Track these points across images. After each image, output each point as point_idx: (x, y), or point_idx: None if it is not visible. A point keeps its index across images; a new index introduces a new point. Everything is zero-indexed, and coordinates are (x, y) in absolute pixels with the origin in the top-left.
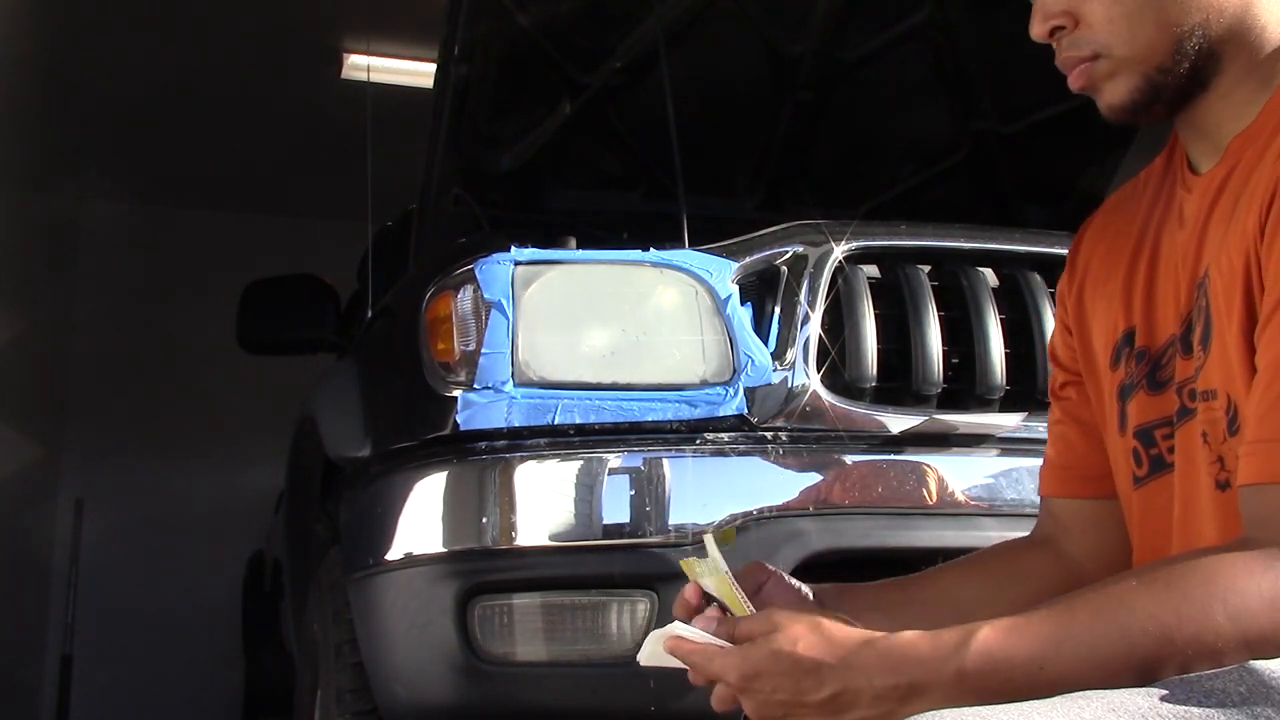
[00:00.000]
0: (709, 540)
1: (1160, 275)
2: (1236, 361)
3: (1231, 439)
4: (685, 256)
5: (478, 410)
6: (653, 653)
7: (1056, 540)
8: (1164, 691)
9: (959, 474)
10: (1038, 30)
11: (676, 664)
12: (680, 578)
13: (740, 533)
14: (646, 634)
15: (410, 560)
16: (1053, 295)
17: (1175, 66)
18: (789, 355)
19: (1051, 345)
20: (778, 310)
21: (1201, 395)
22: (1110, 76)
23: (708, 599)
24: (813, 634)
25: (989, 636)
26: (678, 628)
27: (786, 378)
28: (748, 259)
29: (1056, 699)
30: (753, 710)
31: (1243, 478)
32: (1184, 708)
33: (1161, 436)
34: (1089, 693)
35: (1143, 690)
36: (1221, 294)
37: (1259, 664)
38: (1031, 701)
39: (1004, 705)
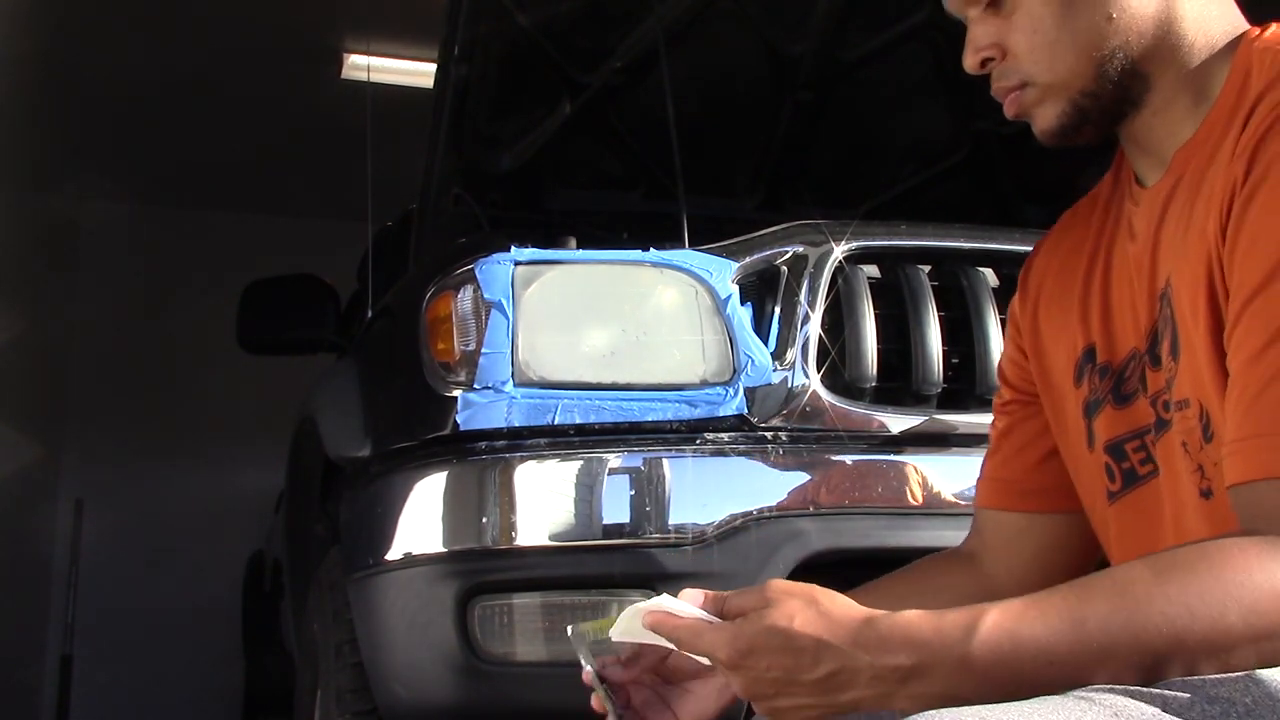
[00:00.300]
0: (570, 632)
1: (1114, 289)
2: (1206, 368)
3: (1208, 446)
4: (685, 256)
5: (478, 410)
6: (628, 628)
7: (977, 556)
8: (1169, 695)
9: (959, 474)
10: (969, 63)
11: (651, 639)
12: (679, 577)
13: (740, 533)
14: None
15: (410, 560)
16: None
17: (1100, 90)
18: (789, 355)
19: (1000, 365)
20: (778, 310)
21: (1176, 405)
22: (1039, 103)
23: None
24: (809, 609)
25: (998, 623)
26: (665, 601)
27: (786, 378)
28: (748, 259)
29: (1057, 699)
30: (743, 688)
31: (1229, 479)
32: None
33: (1132, 450)
34: (1093, 694)
35: (1147, 692)
36: (1186, 302)
37: (1265, 674)
38: (1032, 701)
39: (1004, 705)
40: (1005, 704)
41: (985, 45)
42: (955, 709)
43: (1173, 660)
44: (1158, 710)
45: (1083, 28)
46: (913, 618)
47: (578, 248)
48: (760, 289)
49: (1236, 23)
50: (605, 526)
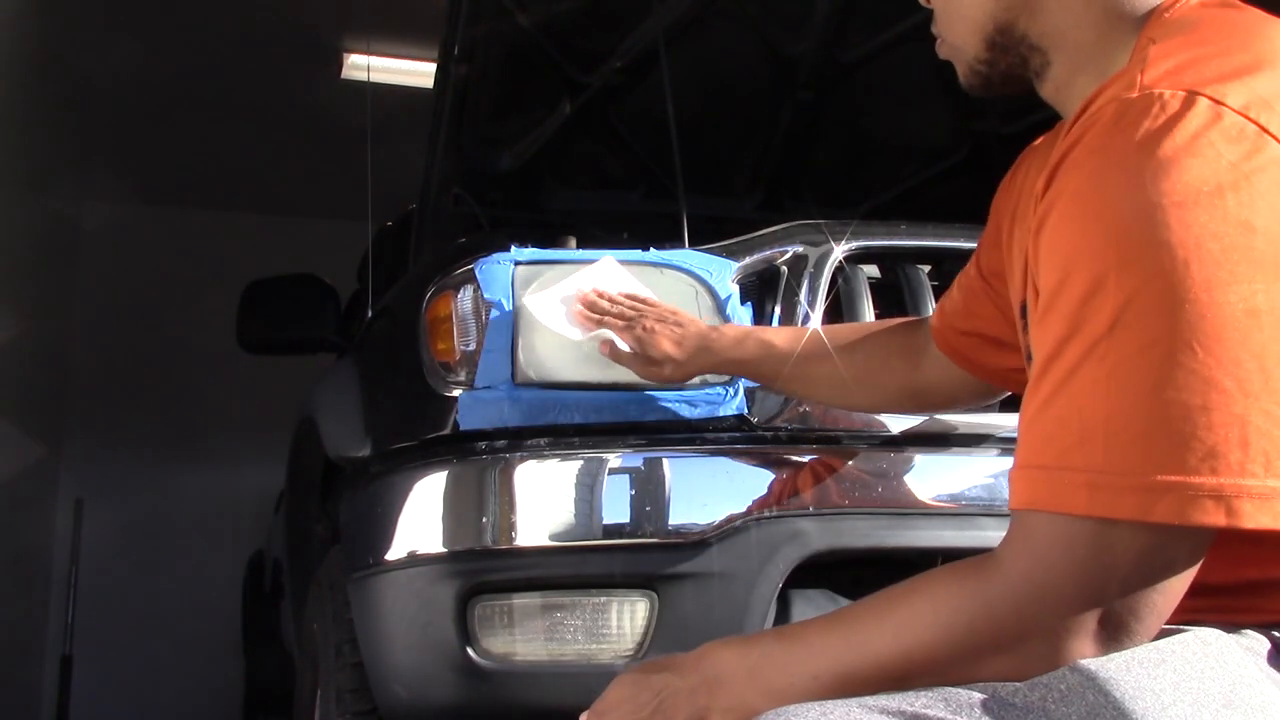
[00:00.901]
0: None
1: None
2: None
3: None
4: (685, 256)
5: (478, 410)
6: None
7: (925, 357)
8: (1000, 685)
9: (959, 474)
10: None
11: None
12: (679, 577)
13: (740, 533)
14: (646, 635)
15: (410, 560)
16: None
17: (993, 59)
18: None
19: (980, 244)
20: (778, 310)
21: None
22: (949, 58)
23: None
24: (649, 664)
25: (771, 644)
26: None
27: None
28: (748, 259)
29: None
30: None
31: (1010, 503)
32: (1009, 701)
33: None
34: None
35: (980, 685)
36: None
37: (1084, 663)
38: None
39: (843, 700)
40: (843, 699)
41: None
42: (800, 705)
43: (910, 679)
44: (987, 696)
45: (971, 1)
46: (716, 643)
47: (578, 248)
48: (760, 289)
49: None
50: (605, 526)
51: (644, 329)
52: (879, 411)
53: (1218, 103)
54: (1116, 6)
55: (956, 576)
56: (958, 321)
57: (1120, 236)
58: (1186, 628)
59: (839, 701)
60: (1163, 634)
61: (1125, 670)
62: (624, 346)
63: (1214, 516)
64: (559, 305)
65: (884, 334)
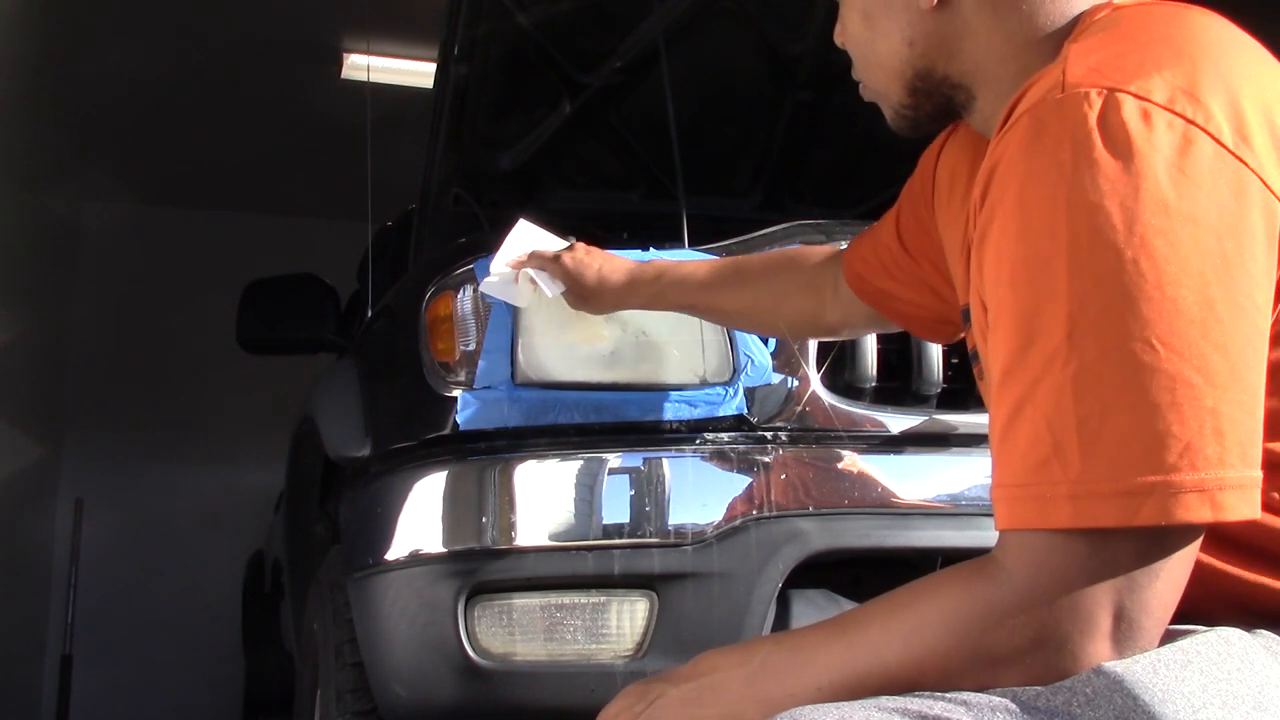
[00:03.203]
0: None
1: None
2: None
3: None
4: (685, 256)
5: (478, 410)
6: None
7: (829, 291)
8: (1018, 688)
9: (959, 474)
10: (837, 41)
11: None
12: (679, 577)
13: (740, 533)
14: (646, 635)
15: (410, 560)
16: None
17: (917, 102)
18: (789, 355)
19: (900, 207)
20: None
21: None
22: (874, 100)
23: None
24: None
25: (771, 652)
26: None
27: (786, 378)
28: None
29: (907, 696)
30: None
31: (995, 523)
32: (1033, 705)
33: None
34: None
35: (999, 689)
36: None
37: (1108, 665)
38: (885, 696)
39: (860, 701)
40: (862, 700)
41: (838, 38)
42: (815, 705)
43: (919, 688)
44: (1008, 701)
45: (886, 51)
46: (714, 651)
47: None
48: None
49: (1068, 14)
50: (605, 526)
51: (573, 259)
52: (780, 336)
53: (1143, 99)
54: (1036, 33)
55: (963, 582)
56: (874, 276)
57: (1065, 241)
58: (1203, 628)
59: (858, 703)
60: (1181, 634)
61: (1152, 672)
62: (551, 290)
63: (1199, 513)
64: (508, 281)
65: (796, 268)
